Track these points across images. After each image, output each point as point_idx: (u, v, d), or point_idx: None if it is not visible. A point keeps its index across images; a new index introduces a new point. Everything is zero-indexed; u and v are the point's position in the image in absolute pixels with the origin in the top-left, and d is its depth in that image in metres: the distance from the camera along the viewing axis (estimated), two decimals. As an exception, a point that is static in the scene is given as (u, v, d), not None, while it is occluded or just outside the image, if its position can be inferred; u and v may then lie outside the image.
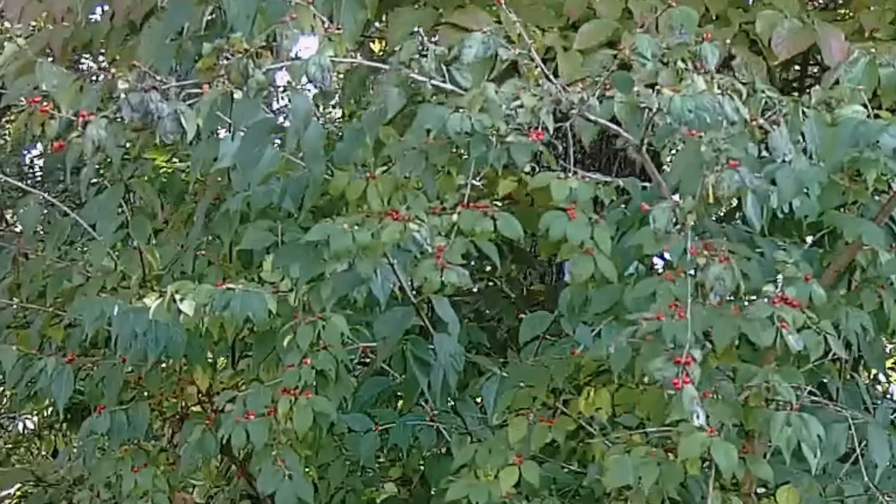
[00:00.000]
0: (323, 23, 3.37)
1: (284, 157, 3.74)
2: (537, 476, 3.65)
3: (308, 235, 3.48)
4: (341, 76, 3.52)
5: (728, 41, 4.00)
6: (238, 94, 3.25)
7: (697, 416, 3.05)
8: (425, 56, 3.31)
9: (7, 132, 7.48)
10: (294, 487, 3.74)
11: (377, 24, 5.14)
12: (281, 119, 3.90)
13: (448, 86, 3.34)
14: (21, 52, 3.72)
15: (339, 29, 3.39)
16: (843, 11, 4.77)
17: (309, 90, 3.46)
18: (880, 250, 3.53)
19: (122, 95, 3.22)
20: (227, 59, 3.21)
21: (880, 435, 3.68)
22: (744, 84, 3.30)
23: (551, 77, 3.36)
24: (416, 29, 3.38)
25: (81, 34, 4.54)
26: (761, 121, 3.24)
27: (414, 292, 3.90)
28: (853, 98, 3.37)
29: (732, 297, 3.18)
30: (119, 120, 3.28)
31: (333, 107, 6.18)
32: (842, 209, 3.61)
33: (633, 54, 3.31)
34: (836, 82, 3.48)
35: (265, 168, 3.59)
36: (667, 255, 3.57)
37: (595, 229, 3.34)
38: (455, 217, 3.36)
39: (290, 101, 3.38)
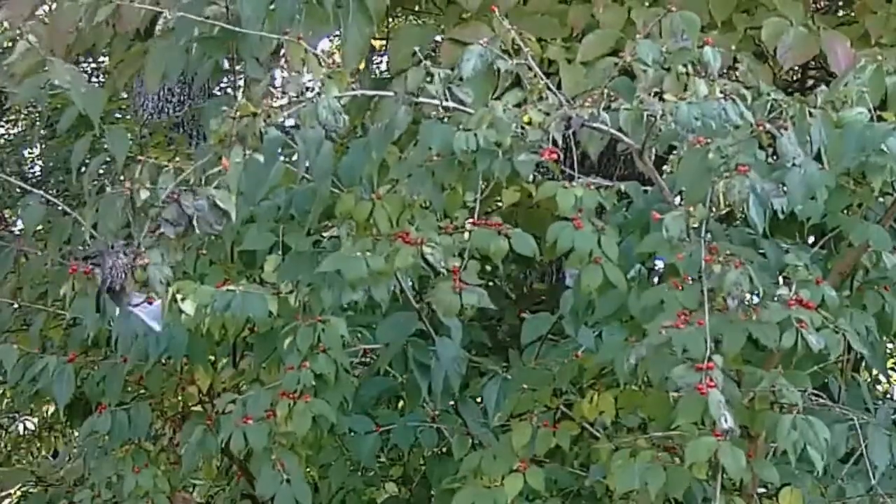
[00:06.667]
0: (319, 58, 3.37)
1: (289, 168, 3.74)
2: (542, 482, 3.65)
3: (321, 267, 3.50)
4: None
5: (733, 47, 4.00)
6: (259, 157, 3.26)
7: (725, 420, 3.06)
8: (431, 82, 3.31)
9: (7, 132, 7.49)
10: (293, 491, 3.74)
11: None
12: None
13: (451, 103, 3.33)
14: (30, 50, 3.70)
15: (338, 48, 3.38)
16: (847, 15, 4.77)
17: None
18: (885, 253, 3.54)
19: (160, 216, 3.24)
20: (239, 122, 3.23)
21: (880, 436, 3.69)
22: (748, 88, 3.30)
23: (555, 90, 3.35)
24: (417, 49, 3.38)
25: (85, 39, 4.53)
26: (768, 125, 3.24)
27: (414, 295, 3.90)
28: (859, 101, 3.37)
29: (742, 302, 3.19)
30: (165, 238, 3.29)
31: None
32: (846, 211, 3.62)
33: (635, 60, 3.30)
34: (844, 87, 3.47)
35: (271, 182, 3.60)
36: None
37: (601, 238, 3.34)
38: (467, 235, 3.36)
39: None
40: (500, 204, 4.42)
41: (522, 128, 3.22)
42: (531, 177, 3.58)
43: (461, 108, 3.31)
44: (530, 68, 3.33)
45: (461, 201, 3.61)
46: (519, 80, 3.37)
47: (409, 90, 3.30)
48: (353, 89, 3.48)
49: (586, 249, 3.32)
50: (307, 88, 3.33)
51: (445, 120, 3.34)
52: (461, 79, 3.33)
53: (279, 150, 3.44)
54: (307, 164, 3.36)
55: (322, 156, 3.35)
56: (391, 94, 3.36)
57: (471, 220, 3.42)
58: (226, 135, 3.25)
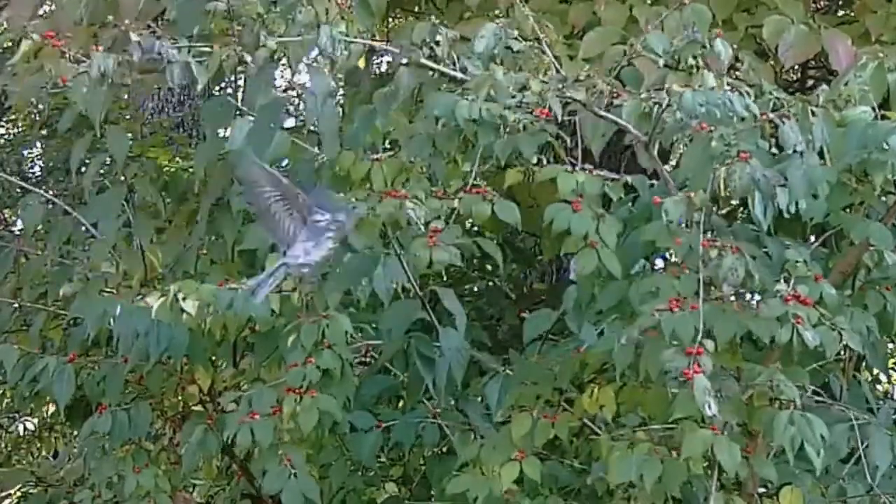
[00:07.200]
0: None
1: (293, 140, 3.76)
2: (538, 472, 3.65)
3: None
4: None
5: (734, 46, 4.00)
6: (248, 58, 3.25)
7: (709, 407, 3.05)
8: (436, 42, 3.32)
9: (7, 131, 7.48)
10: (300, 486, 3.74)
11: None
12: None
13: (458, 74, 3.35)
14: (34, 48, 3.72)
15: (350, 7, 3.40)
16: (847, 15, 4.79)
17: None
18: (887, 252, 3.54)
19: (134, 38, 3.23)
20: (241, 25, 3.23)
21: (882, 436, 3.69)
22: (751, 87, 3.32)
23: (559, 68, 3.37)
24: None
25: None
26: (771, 115, 3.25)
27: (419, 286, 3.90)
28: (862, 99, 3.38)
29: (739, 293, 3.19)
30: (126, 61, 3.28)
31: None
32: (848, 210, 3.63)
33: (645, 51, 3.31)
34: (845, 85, 3.48)
35: (275, 152, 3.61)
36: (669, 256, 3.58)
37: (600, 224, 3.35)
38: (456, 203, 3.38)
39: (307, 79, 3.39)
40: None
41: (521, 95, 3.23)
42: (535, 162, 3.58)
43: (468, 78, 3.33)
44: (544, 52, 3.34)
45: (461, 173, 3.62)
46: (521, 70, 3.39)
47: (412, 42, 3.31)
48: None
49: (582, 231, 3.33)
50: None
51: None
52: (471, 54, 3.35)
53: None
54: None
55: (328, 110, 3.36)
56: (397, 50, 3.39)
57: (464, 190, 3.43)
58: (226, 29, 3.25)
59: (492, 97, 3.24)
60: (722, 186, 3.12)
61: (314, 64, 3.32)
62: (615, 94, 3.35)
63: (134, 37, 3.27)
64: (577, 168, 3.39)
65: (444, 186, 3.52)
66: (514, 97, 3.24)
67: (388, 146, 3.75)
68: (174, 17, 3.69)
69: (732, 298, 3.22)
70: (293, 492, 3.72)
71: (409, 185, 3.55)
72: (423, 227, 3.36)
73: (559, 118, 3.26)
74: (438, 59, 3.36)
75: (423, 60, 3.36)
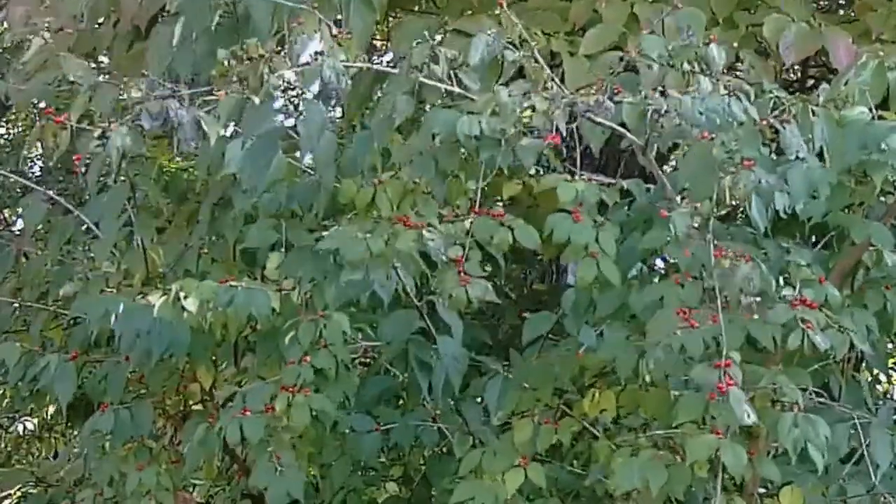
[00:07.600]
0: (330, 28, 3.38)
1: (291, 163, 3.75)
2: (543, 477, 3.65)
3: (321, 244, 3.50)
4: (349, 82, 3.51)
5: (735, 44, 4.01)
6: (255, 99, 3.26)
7: (749, 415, 3.05)
8: (436, 61, 3.32)
9: (7, 132, 7.48)
10: (286, 484, 3.73)
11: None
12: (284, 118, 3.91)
13: (457, 89, 3.34)
14: (45, 46, 3.72)
15: (349, 33, 3.40)
16: (848, 13, 4.79)
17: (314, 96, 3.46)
18: (886, 251, 3.55)
19: (140, 104, 3.24)
20: (243, 63, 3.22)
21: (883, 435, 3.70)
22: (751, 85, 3.32)
23: (557, 80, 3.37)
24: (421, 37, 3.39)
25: (86, 41, 4.52)
26: (772, 119, 3.26)
27: (416, 293, 3.91)
28: (860, 99, 3.38)
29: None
30: (138, 128, 3.29)
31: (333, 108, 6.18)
32: (847, 210, 3.63)
33: (640, 56, 3.31)
34: (845, 84, 3.48)
35: (272, 176, 3.61)
36: (669, 257, 3.58)
37: (600, 233, 3.35)
38: (468, 224, 3.36)
39: (294, 104, 3.38)
40: (499, 202, 4.42)
41: (528, 117, 3.23)
42: (533, 171, 3.58)
43: (466, 94, 3.33)
44: (536, 60, 3.34)
45: (463, 189, 3.61)
46: (522, 71, 3.38)
47: (412, 65, 3.31)
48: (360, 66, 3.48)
49: (583, 241, 3.33)
50: (317, 53, 3.33)
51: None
52: (467, 65, 3.35)
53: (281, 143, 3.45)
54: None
55: (324, 141, 3.36)
56: (394, 71, 3.37)
57: (473, 210, 3.42)
58: (227, 72, 3.26)
59: (494, 111, 3.23)
60: (727, 195, 3.11)
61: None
62: (616, 91, 3.35)
63: (134, 93, 3.28)
64: (576, 176, 3.38)
65: (452, 207, 3.51)
66: (519, 119, 3.23)
67: (384, 153, 3.73)
68: (174, 9, 3.68)
69: (750, 305, 3.22)
70: (278, 488, 3.72)
71: (415, 207, 3.54)
72: (444, 257, 3.35)
73: (563, 133, 3.25)
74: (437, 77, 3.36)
75: (422, 79, 3.35)
